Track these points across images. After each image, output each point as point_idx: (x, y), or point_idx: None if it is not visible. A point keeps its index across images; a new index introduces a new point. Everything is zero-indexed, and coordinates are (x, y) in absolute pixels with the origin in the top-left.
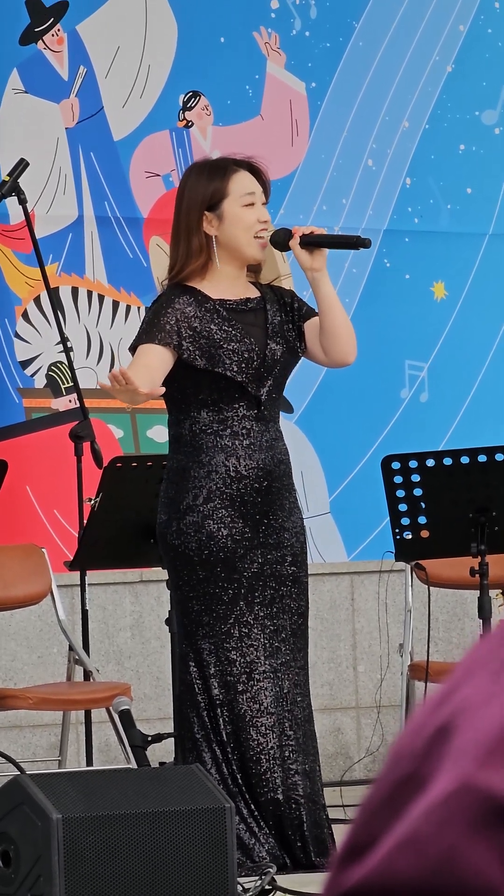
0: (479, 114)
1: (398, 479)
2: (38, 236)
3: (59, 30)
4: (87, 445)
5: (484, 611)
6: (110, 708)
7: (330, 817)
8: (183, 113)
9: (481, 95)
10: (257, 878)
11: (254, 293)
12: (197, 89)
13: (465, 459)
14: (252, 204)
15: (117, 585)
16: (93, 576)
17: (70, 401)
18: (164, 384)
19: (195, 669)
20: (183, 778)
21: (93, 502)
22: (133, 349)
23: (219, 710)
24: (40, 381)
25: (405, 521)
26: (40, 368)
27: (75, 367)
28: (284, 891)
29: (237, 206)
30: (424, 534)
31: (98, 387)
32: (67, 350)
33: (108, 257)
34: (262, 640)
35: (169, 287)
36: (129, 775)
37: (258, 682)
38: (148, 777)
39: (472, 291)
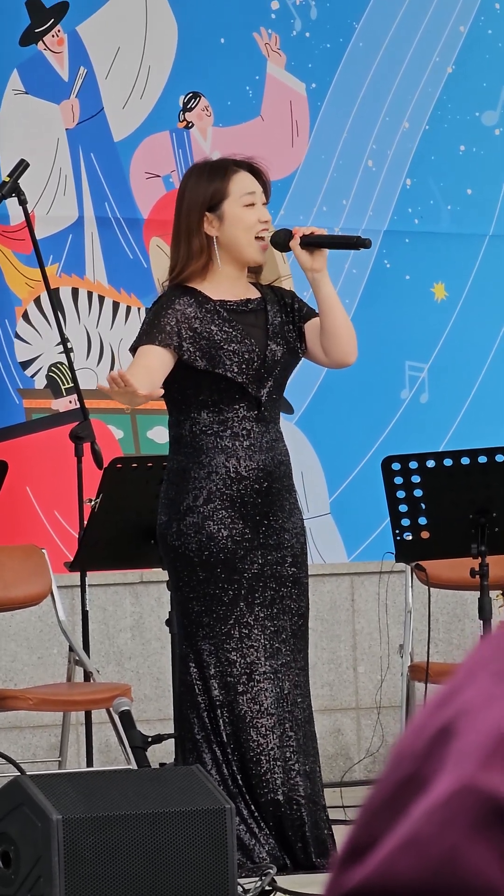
0: (479, 115)
1: (398, 480)
2: (38, 237)
3: (59, 30)
4: (87, 446)
5: (484, 612)
6: (110, 709)
7: (330, 818)
8: (183, 114)
9: (481, 96)
10: (258, 878)
11: (254, 294)
12: (197, 90)
13: (465, 460)
14: (252, 204)
15: (117, 586)
16: (93, 577)
17: (70, 401)
18: (164, 385)
19: (195, 670)
20: (183, 779)
21: (93, 503)
22: (133, 350)
23: (219, 711)
24: (40, 382)
25: (405, 521)
26: (40, 369)
27: (75, 368)
28: (285, 891)
29: (238, 207)
30: (425, 535)
31: (98, 388)
32: (67, 351)
33: (109, 258)
34: (262, 641)
35: (169, 288)
36: (130, 776)
37: (258, 683)
38: (148, 778)
39: (473, 292)
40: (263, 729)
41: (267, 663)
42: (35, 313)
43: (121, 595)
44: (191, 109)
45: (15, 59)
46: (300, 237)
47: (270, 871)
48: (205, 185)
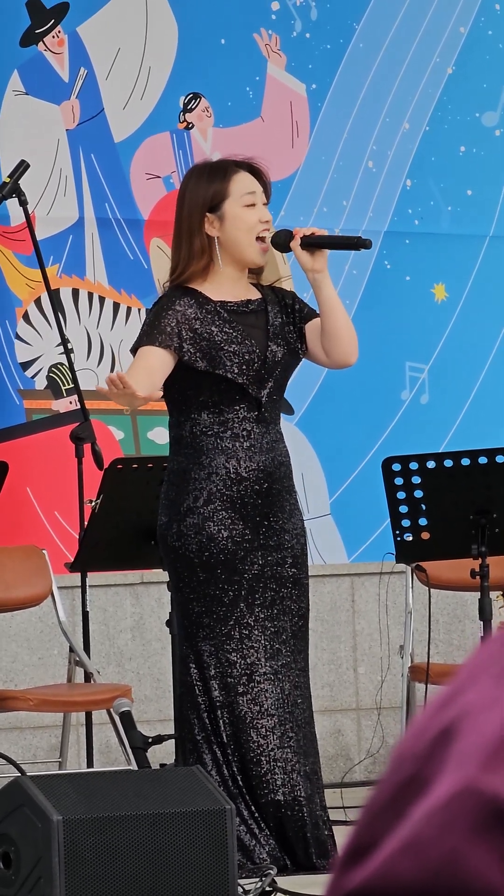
0: (479, 115)
1: (399, 481)
2: (38, 238)
3: (59, 31)
4: (87, 447)
5: (484, 613)
6: (111, 709)
7: (330, 819)
8: (183, 115)
9: (482, 97)
10: (258, 879)
11: (255, 295)
12: (197, 91)
13: (465, 461)
14: (253, 204)
15: (118, 587)
16: (93, 577)
17: (71, 402)
18: (164, 386)
19: (195, 671)
20: (183, 779)
21: (93, 504)
22: (134, 351)
23: (219, 711)
24: (41, 383)
25: (406, 522)
26: (41, 370)
27: (76, 369)
28: (285, 892)
29: (238, 207)
30: (425, 535)
31: (97, 389)
32: (68, 352)
33: (109, 259)
34: (262, 641)
35: (170, 289)
36: (130, 777)
37: (259, 683)
38: (148, 779)
39: (473, 293)
40: (264, 730)
41: (267, 664)
42: (35, 314)
43: (121, 596)
44: (191, 110)
45: (15, 60)
46: (301, 238)
47: (271, 871)
48: (205, 186)
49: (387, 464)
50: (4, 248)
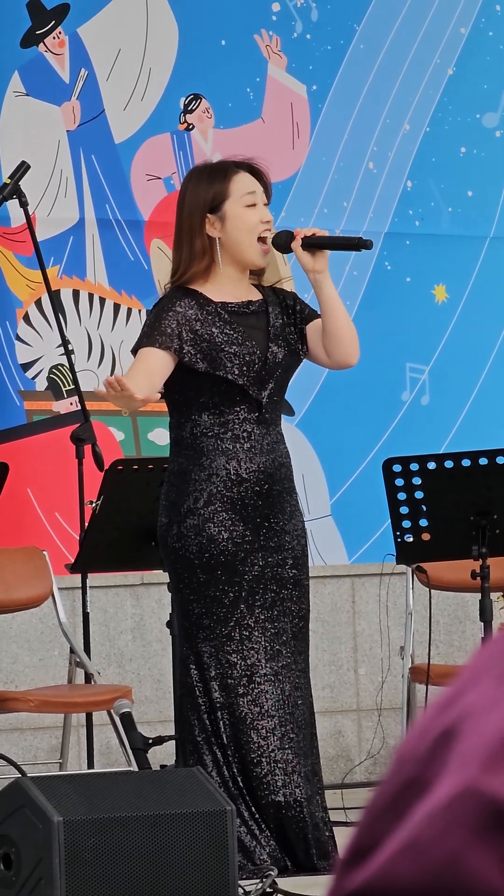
0: (479, 117)
1: (399, 482)
2: (39, 239)
3: (60, 32)
4: (88, 448)
5: (485, 614)
6: (111, 710)
7: (331, 820)
8: (184, 116)
9: (482, 98)
10: (258, 880)
11: (256, 296)
12: (198, 92)
13: (466, 462)
14: (254, 205)
15: (118, 588)
16: (94, 578)
17: (71, 403)
18: (165, 387)
19: (196, 672)
20: (184, 780)
21: (94, 505)
22: (135, 352)
23: (219, 712)
24: (41, 384)
25: (406, 523)
26: (41, 371)
27: (76, 370)
28: (285, 894)
29: (239, 207)
30: (425, 536)
31: (95, 391)
32: (68, 353)
33: (110, 260)
34: (262, 643)
35: (171, 290)
36: (130, 778)
37: (259, 685)
38: (149, 780)
39: (474, 294)
40: (264, 731)
41: (267, 665)
42: (36, 315)
43: (122, 597)
44: (191, 111)
45: (16, 61)
46: (301, 238)
47: (271, 872)
48: (205, 187)
49: (387, 465)
50: (5, 249)
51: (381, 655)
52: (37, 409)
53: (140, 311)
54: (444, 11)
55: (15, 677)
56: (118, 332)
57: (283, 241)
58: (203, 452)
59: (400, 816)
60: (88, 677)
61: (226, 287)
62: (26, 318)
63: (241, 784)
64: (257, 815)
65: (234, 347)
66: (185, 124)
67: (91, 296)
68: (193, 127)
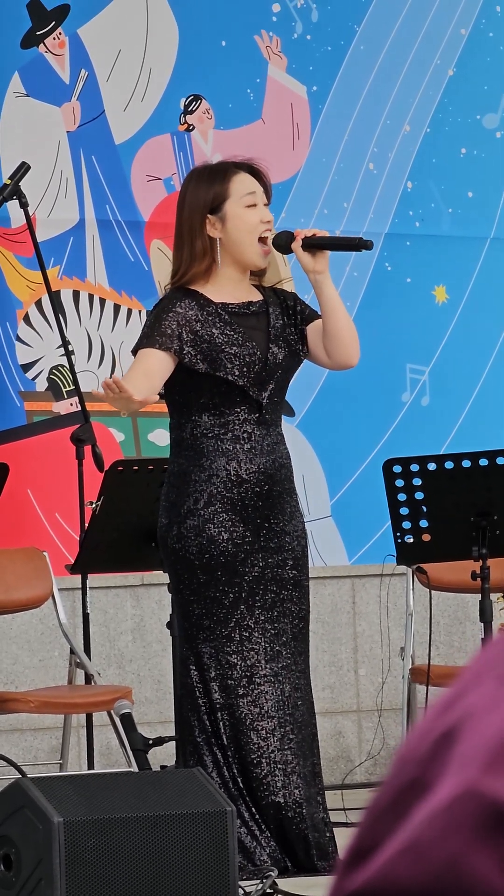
0: (480, 117)
1: (399, 483)
2: (39, 239)
3: (60, 33)
4: (88, 449)
5: (485, 614)
6: (111, 711)
7: (331, 820)
8: (184, 116)
9: (482, 99)
10: (259, 881)
11: (256, 296)
12: (198, 93)
13: (466, 463)
14: (254, 205)
15: (118, 589)
16: (94, 579)
17: (71, 404)
18: (165, 388)
19: (196, 673)
20: (184, 781)
21: (94, 506)
22: (135, 353)
23: (219, 713)
24: (42, 385)
25: (406, 524)
26: (42, 372)
27: (76, 371)
28: (286, 894)
29: (239, 207)
30: (426, 537)
31: (93, 393)
32: (69, 353)
33: (110, 261)
34: (262, 643)
35: (171, 290)
36: (130, 779)
37: (259, 685)
38: (149, 780)
39: (474, 295)
40: (264, 732)
41: (267, 666)
42: (36, 316)
43: (122, 598)
44: (192, 112)
45: (16, 62)
46: (302, 239)
47: (272, 873)
48: (205, 188)
49: (387, 465)
50: (5, 249)
51: (382, 656)
52: (37, 410)
53: (140, 311)
54: (445, 12)
55: (15, 678)
56: (118, 332)
57: (283, 242)
58: (203, 453)
59: (401, 817)
60: (88, 678)
61: (226, 288)
62: (26, 319)
63: (241, 785)
64: (257, 816)
65: (234, 348)
66: (186, 125)
67: (91, 296)
68: (194, 128)
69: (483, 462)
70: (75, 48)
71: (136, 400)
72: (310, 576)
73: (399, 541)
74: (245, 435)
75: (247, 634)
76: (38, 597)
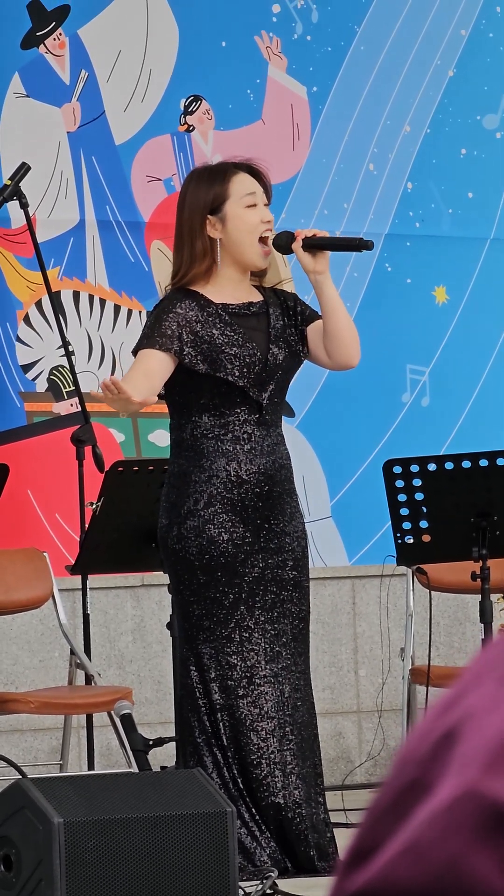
0: (480, 118)
1: (400, 484)
2: (39, 240)
3: (60, 34)
4: (88, 449)
5: (485, 615)
6: (111, 712)
7: (331, 821)
8: (184, 117)
9: (483, 100)
10: (259, 882)
11: (256, 297)
12: (198, 93)
13: (466, 464)
14: (254, 205)
15: (119, 589)
16: (94, 580)
17: (71, 405)
18: (165, 388)
19: (196, 674)
20: (184, 782)
21: (94, 506)
22: (135, 353)
23: (219, 714)
24: (42, 385)
25: (406, 525)
26: (42, 372)
27: (77, 371)
28: (286, 895)
29: (239, 208)
30: (426, 538)
31: (92, 394)
32: (69, 354)
33: (110, 261)
34: (262, 644)
35: (171, 291)
36: (131, 779)
37: (259, 686)
38: (149, 781)
39: (474, 296)
40: (264, 732)
41: (267, 667)
42: (36, 316)
43: (122, 598)
44: (192, 113)
45: (16, 63)
46: (302, 239)
47: (272, 874)
48: (205, 189)
49: (388, 466)
50: (5, 250)
51: (382, 657)
52: (37, 411)
53: (140, 312)
54: (445, 13)
55: (15, 678)
56: (118, 333)
57: (283, 242)
58: (203, 454)
59: (401, 818)
60: (89, 679)
61: (226, 288)
62: (27, 320)
63: (241, 785)
64: (257, 817)
65: (234, 349)
66: (186, 126)
67: (91, 297)
68: (194, 128)
69: (483, 463)
70: (75, 49)
71: (135, 401)
72: (310, 576)
73: (399, 541)
74: (245, 436)
75: (247, 635)
76: (39, 597)
